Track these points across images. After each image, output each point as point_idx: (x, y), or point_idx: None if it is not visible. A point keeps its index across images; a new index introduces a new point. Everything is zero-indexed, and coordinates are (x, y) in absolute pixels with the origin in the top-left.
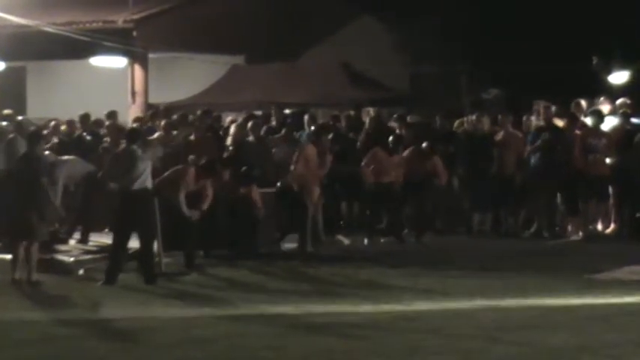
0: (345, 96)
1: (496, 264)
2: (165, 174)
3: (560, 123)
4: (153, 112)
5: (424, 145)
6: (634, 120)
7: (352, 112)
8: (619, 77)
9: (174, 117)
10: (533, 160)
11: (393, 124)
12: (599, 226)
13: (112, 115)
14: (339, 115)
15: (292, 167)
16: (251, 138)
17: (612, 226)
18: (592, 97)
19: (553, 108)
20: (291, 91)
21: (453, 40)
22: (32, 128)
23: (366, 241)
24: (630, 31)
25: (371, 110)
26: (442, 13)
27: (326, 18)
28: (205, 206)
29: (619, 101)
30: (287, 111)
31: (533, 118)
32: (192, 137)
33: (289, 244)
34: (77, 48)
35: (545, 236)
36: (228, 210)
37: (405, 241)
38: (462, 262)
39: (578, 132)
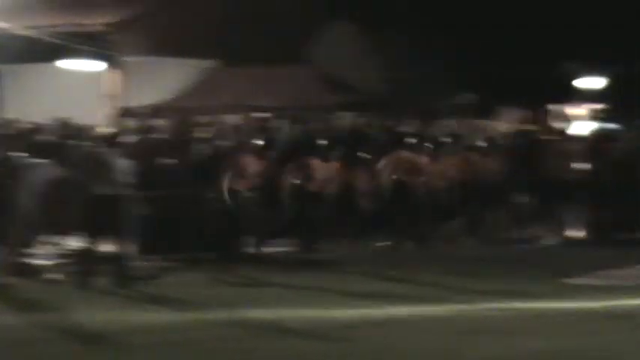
0: (320, 100)
1: (470, 269)
2: None
3: (530, 128)
4: (128, 114)
5: (401, 151)
6: (608, 125)
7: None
8: (590, 82)
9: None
10: (505, 166)
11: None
12: (573, 231)
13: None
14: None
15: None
16: (228, 142)
17: (585, 230)
18: (564, 103)
19: (524, 113)
20: (266, 95)
21: (427, 44)
22: None
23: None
24: (601, 36)
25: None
26: (416, 17)
27: (301, 22)
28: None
29: (593, 106)
30: (263, 115)
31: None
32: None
33: (274, 248)
34: (53, 51)
35: (516, 240)
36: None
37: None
38: (437, 267)
39: (552, 137)
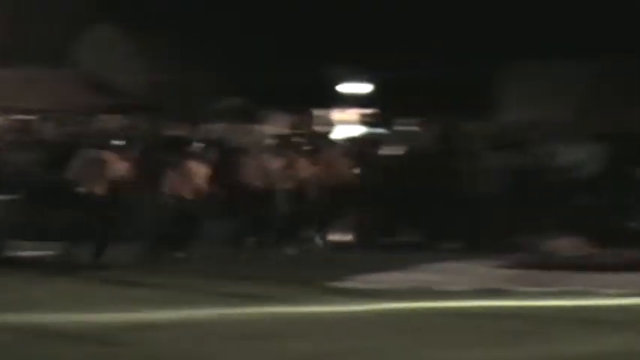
0: (85, 102)
1: (240, 273)
2: None
3: (299, 132)
4: None
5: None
6: (375, 130)
7: None
8: (356, 88)
9: None
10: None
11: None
12: (339, 235)
13: None
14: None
15: None
16: None
17: (351, 234)
18: (330, 107)
19: (292, 118)
20: (30, 97)
21: (192, 47)
22: None
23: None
24: (367, 42)
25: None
26: (181, 19)
27: (66, 23)
28: None
29: (360, 111)
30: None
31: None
32: None
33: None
34: None
35: (284, 243)
36: None
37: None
38: (213, 271)
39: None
